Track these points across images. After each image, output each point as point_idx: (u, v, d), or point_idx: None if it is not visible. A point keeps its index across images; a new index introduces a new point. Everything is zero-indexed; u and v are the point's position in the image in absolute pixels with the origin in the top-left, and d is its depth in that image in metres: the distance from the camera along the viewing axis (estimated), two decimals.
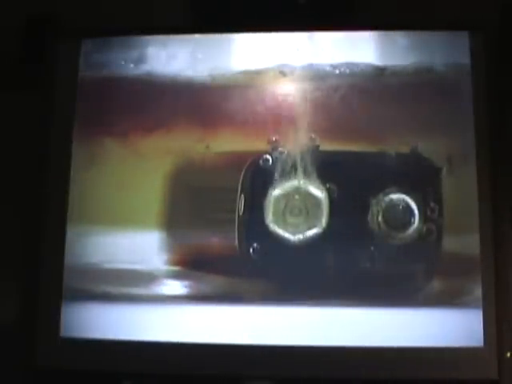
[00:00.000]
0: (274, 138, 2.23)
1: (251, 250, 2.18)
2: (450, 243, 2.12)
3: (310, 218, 2.19)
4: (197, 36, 2.35)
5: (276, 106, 2.26)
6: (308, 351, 2.10)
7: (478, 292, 2.05)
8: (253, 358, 2.12)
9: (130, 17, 2.35)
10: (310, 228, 2.18)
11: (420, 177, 2.17)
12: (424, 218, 2.13)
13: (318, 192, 2.20)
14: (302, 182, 2.21)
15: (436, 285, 2.10)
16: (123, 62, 2.35)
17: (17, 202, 2.28)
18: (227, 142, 2.25)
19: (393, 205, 2.16)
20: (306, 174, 2.21)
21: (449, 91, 2.18)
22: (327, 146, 2.22)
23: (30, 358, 2.17)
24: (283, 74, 2.29)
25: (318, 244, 2.17)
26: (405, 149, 2.17)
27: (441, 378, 1.99)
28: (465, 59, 2.22)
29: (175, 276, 2.21)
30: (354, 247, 2.15)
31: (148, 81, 2.32)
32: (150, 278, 2.21)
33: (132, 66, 2.34)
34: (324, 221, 2.18)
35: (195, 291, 2.20)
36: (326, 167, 2.20)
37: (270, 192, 2.20)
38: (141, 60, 2.34)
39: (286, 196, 2.21)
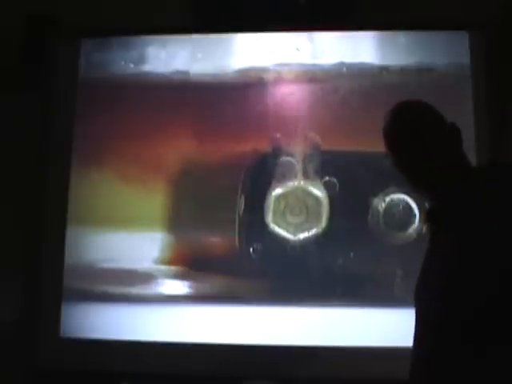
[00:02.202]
0: (274, 138, 2.23)
1: (251, 250, 2.18)
2: None
3: (311, 218, 2.19)
4: (197, 36, 2.35)
5: (276, 106, 2.26)
6: (308, 351, 2.10)
7: None
8: (253, 358, 2.12)
9: (130, 17, 2.35)
10: (310, 228, 2.18)
11: None
12: (424, 217, 2.13)
13: (318, 192, 2.20)
14: (302, 181, 2.21)
15: None
16: (123, 62, 2.35)
17: (17, 202, 2.28)
18: (227, 142, 2.25)
19: (393, 205, 2.16)
20: (307, 174, 2.21)
21: (449, 91, 2.19)
22: (328, 146, 2.22)
23: (31, 357, 2.18)
24: (283, 73, 2.29)
25: (318, 244, 2.17)
26: None
27: None
28: (465, 59, 2.22)
29: (175, 276, 2.21)
30: (354, 247, 2.15)
31: (148, 80, 2.32)
32: (150, 277, 2.21)
33: (132, 66, 2.34)
34: (324, 221, 2.18)
35: (195, 291, 2.20)
36: (327, 167, 2.20)
37: (270, 192, 2.20)
38: (141, 60, 2.34)
39: (287, 196, 2.21)
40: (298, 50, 2.29)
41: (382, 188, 2.16)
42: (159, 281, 2.21)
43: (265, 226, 2.19)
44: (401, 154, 1.22)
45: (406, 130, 1.22)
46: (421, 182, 1.22)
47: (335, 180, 2.19)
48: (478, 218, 1.09)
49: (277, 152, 2.23)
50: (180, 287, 2.20)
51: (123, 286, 2.21)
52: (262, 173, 2.22)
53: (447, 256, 1.10)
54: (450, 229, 1.13)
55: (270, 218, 2.19)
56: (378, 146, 2.17)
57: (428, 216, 1.23)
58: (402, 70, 2.24)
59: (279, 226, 2.19)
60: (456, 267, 1.08)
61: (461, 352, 1.04)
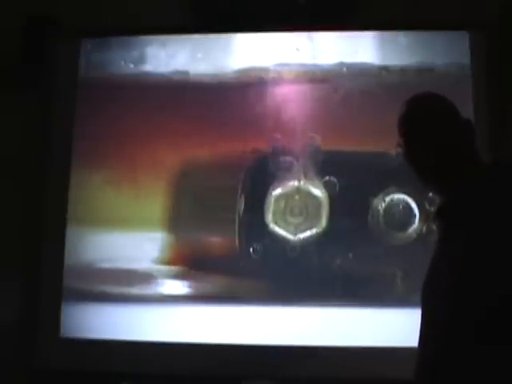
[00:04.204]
0: (274, 138, 2.23)
1: (251, 250, 2.18)
2: None
3: (310, 218, 2.19)
4: (196, 36, 2.35)
5: (276, 106, 2.26)
6: (308, 351, 2.10)
7: None
8: (252, 357, 2.12)
9: (130, 17, 2.35)
10: (310, 228, 2.18)
11: None
12: (424, 217, 2.13)
13: (318, 192, 2.20)
14: (302, 181, 2.21)
15: None
16: (123, 62, 2.35)
17: (17, 201, 2.28)
18: (227, 142, 2.25)
19: (393, 205, 2.16)
20: (306, 174, 2.21)
21: (449, 91, 2.17)
22: (327, 146, 2.22)
23: (31, 357, 2.18)
24: (283, 73, 2.29)
25: (318, 244, 2.17)
26: None
27: None
28: (465, 59, 2.22)
29: (175, 276, 2.21)
30: (353, 247, 2.15)
31: (148, 80, 2.32)
32: (150, 277, 2.21)
33: (132, 66, 2.34)
34: (324, 221, 2.18)
35: (195, 291, 2.19)
36: (327, 167, 2.20)
37: (270, 192, 2.20)
38: (141, 60, 2.34)
39: (287, 196, 2.21)
40: (297, 50, 2.29)
41: (382, 188, 2.16)
42: (159, 281, 2.21)
43: (265, 226, 2.19)
44: (413, 146, 1.21)
45: (420, 123, 1.21)
46: (431, 177, 1.21)
47: (335, 180, 2.19)
48: (489, 216, 1.08)
49: (277, 152, 2.22)
50: (180, 287, 2.20)
51: (123, 286, 2.21)
52: (261, 173, 2.22)
53: (456, 255, 1.09)
54: (459, 227, 1.12)
55: (270, 218, 2.19)
56: (379, 146, 2.19)
57: (438, 213, 1.22)
58: (402, 70, 2.24)
59: (279, 226, 2.19)
60: (466, 266, 1.07)
61: (472, 352, 1.03)
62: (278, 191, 2.21)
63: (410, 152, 1.22)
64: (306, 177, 2.21)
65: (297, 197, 2.21)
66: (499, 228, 1.06)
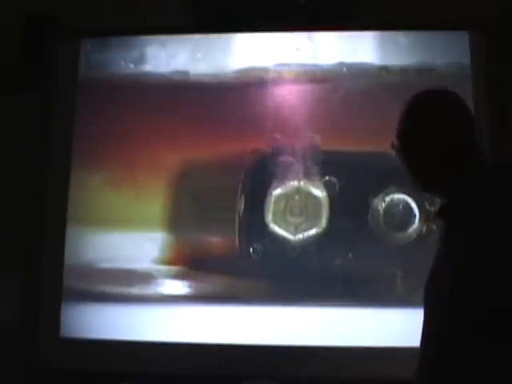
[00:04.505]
0: (274, 138, 2.23)
1: (251, 250, 2.18)
2: None
3: (310, 218, 2.19)
4: (196, 36, 2.35)
5: (276, 106, 2.26)
6: (308, 351, 2.10)
7: None
8: (252, 357, 2.12)
9: (130, 17, 2.35)
10: (310, 228, 2.18)
11: None
12: (424, 217, 2.13)
13: (318, 192, 2.20)
14: (302, 181, 2.21)
15: None
16: (123, 62, 2.35)
17: (17, 201, 2.28)
18: (227, 142, 2.25)
19: (393, 205, 2.16)
20: (306, 174, 2.21)
21: None
22: (327, 146, 2.22)
23: (31, 357, 2.18)
24: (283, 73, 2.29)
25: (318, 244, 2.17)
26: None
27: None
28: (465, 59, 2.22)
29: (175, 276, 2.21)
30: (353, 247, 2.15)
31: (148, 80, 2.32)
32: (150, 277, 2.21)
33: (132, 66, 2.34)
34: (324, 221, 2.18)
35: (195, 291, 2.19)
36: (327, 167, 2.20)
37: (270, 192, 2.20)
38: (141, 60, 2.34)
39: (287, 196, 2.21)
40: (297, 50, 2.29)
41: (382, 188, 2.16)
42: (159, 281, 2.21)
43: (265, 226, 2.19)
44: (414, 145, 1.19)
45: (419, 122, 1.20)
46: (430, 178, 1.20)
47: (335, 180, 2.19)
48: (490, 216, 1.08)
49: (277, 152, 2.22)
50: (180, 287, 2.20)
51: (123, 286, 2.21)
52: (261, 173, 2.22)
53: (458, 255, 1.09)
54: (461, 227, 1.12)
55: (269, 218, 2.19)
56: (378, 146, 2.19)
57: (438, 213, 1.21)
58: (402, 70, 2.24)
59: (279, 226, 2.19)
60: (468, 266, 1.07)
61: (474, 352, 1.03)
62: (278, 191, 2.21)
63: (409, 153, 1.21)
64: (305, 177, 2.21)
65: (297, 197, 2.21)
66: (500, 228, 1.05)
